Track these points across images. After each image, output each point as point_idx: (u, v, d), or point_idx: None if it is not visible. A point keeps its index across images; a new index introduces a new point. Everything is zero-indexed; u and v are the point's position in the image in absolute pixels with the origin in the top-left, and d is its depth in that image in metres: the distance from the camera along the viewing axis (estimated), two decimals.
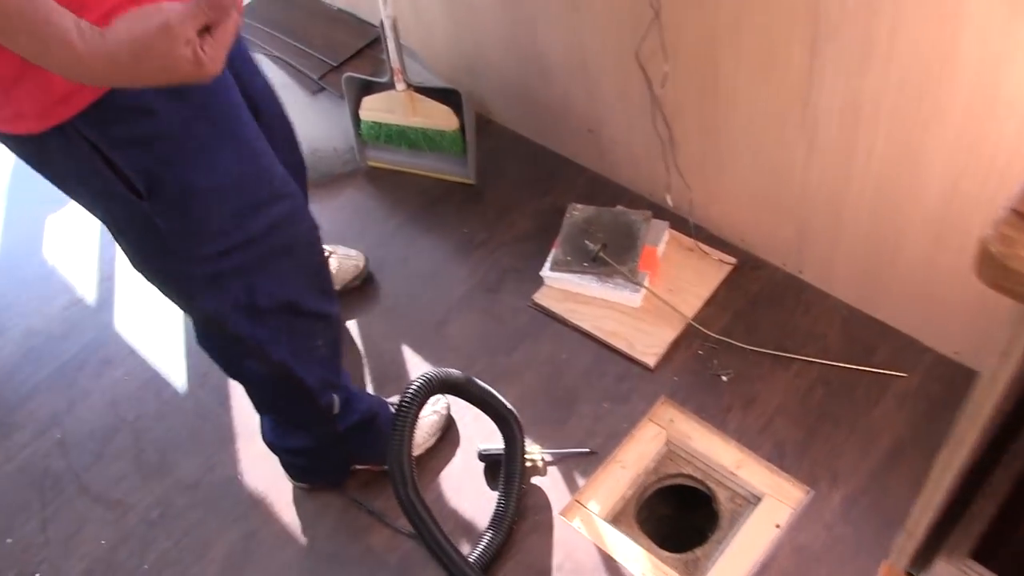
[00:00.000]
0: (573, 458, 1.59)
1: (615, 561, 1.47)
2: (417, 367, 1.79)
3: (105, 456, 1.79)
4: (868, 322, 1.67)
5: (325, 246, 1.46)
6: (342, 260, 1.89)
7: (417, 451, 1.61)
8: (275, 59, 2.27)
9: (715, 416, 1.60)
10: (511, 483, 1.52)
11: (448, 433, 1.67)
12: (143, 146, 0.98)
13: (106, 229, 1.12)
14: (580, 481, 1.56)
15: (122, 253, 1.15)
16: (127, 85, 0.75)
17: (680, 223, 1.85)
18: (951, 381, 1.56)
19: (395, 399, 1.62)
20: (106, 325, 2.03)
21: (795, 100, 1.45)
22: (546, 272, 1.81)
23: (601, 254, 1.76)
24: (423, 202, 2.10)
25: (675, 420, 1.61)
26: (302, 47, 2.32)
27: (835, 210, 1.56)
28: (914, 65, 1.24)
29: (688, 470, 1.60)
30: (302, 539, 1.60)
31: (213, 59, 0.75)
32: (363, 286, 1.94)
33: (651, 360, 1.68)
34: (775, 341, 1.67)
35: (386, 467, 1.58)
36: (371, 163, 2.20)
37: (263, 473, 1.69)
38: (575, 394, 1.68)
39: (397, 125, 2.05)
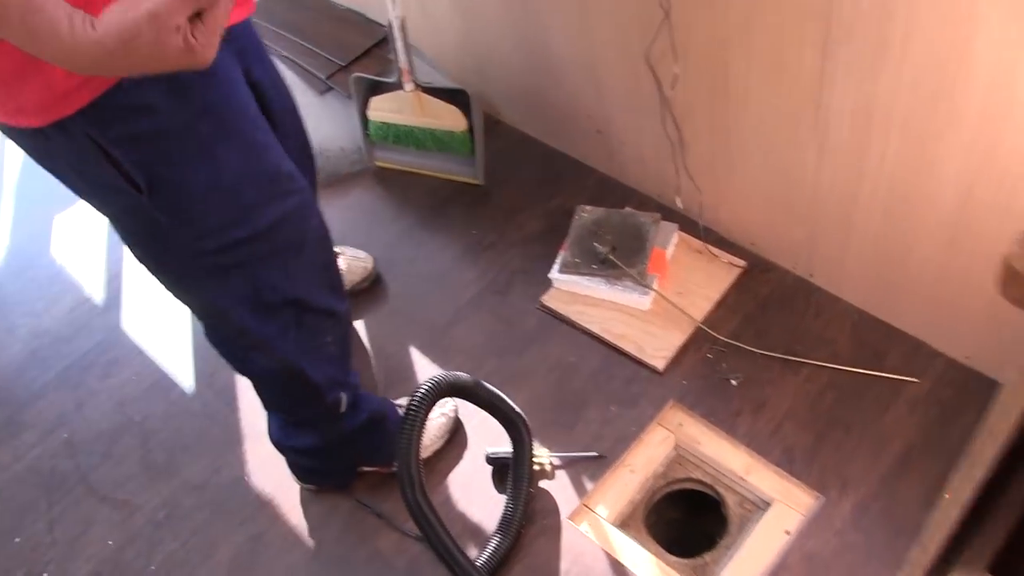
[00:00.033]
0: (581, 462, 1.59)
1: (623, 566, 1.46)
2: (425, 369, 1.78)
3: (112, 456, 1.79)
4: (879, 326, 1.66)
5: (334, 247, 1.45)
6: (351, 261, 1.89)
7: (425, 453, 1.61)
8: (283, 58, 2.27)
9: (724, 420, 1.59)
10: (519, 487, 1.51)
11: (456, 435, 1.67)
12: (143, 144, 0.98)
13: (111, 224, 1.12)
14: (588, 485, 1.56)
15: (129, 251, 1.15)
16: (122, 74, 0.75)
17: (689, 225, 1.84)
18: (963, 386, 1.54)
19: (403, 401, 1.62)
20: (114, 325, 2.03)
21: (807, 102, 1.44)
22: (555, 274, 1.80)
23: (610, 256, 1.75)
24: (431, 203, 2.09)
25: (684, 424, 1.61)
26: (310, 47, 2.32)
27: (846, 213, 1.54)
28: (928, 67, 1.23)
29: (697, 475, 1.59)
30: (309, 542, 1.59)
31: (205, 46, 0.74)
32: (371, 287, 1.93)
33: (660, 363, 1.67)
34: (785, 345, 1.66)
35: (394, 469, 1.58)
36: (379, 163, 2.19)
37: (270, 475, 1.69)
38: (583, 397, 1.67)
39: (405, 125, 2.04)
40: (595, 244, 1.78)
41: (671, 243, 1.81)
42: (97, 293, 2.12)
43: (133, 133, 0.96)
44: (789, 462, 1.52)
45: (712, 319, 1.72)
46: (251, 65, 1.20)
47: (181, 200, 1.05)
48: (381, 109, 2.05)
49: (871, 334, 1.65)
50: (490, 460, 1.60)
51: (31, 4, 0.69)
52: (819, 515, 1.46)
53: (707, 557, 1.50)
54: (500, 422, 1.53)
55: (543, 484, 1.57)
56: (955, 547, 0.74)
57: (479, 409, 1.54)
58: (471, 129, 1.98)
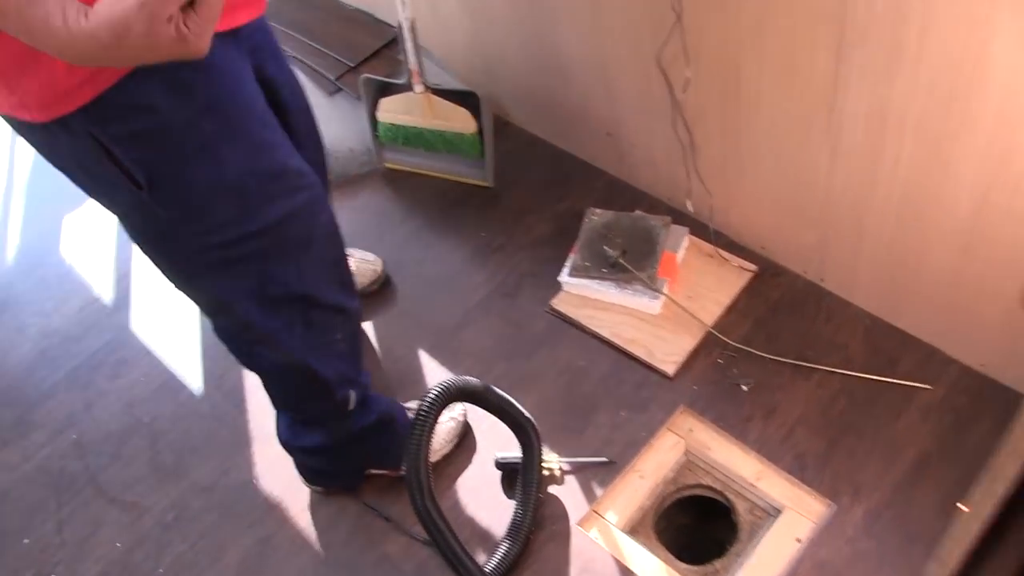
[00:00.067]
0: (591, 467, 1.58)
1: (633, 573, 1.45)
2: (433, 372, 1.78)
3: (121, 458, 1.79)
4: (891, 332, 1.64)
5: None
6: (360, 263, 1.88)
7: (434, 457, 1.60)
8: (292, 59, 2.26)
9: (735, 426, 1.58)
10: (528, 492, 1.51)
11: (465, 440, 1.66)
12: (143, 142, 0.98)
13: (118, 220, 1.13)
14: (598, 491, 1.55)
15: (139, 252, 1.15)
16: (120, 65, 0.75)
17: (700, 228, 1.83)
18: (978, 394, 1.53)
19: (412, 404, 1.61)
20: (123, 326, 2.03)
21: (819, 105, 1.42)
22: (564, 278, 1.79)
23: (620, 260, 1.74)
24: (440, 205, 2.08)
25: (694, 429, 1.60)
26: (319, 47, 2.31)
27: (859, 217, 1.53)
28: (943, 71, 1.21)
29: (707, 480, 1.58)
30: (317, 545, 1.59)
31: (198, 35, 0.74)
32: (379, 289, 1.93)
33: (670, 368, 1.66)
34: (796, 350, 1.65)
35: (402, 473, 1.57)
36: (388, 165, 2.18)
37: (279, 477, 1.68)
38: (593, 402, 1.66)
39: (415, 127, 2.03)
40: (605, 247, 1.77)
41: (681, 247, 1.80)
42: (106, 293, 2.12)
43: (134, 131, 0.97)
44: (800, 469, 1.51)
45: (723, 324, 1.71)
46: (264, 62, 1.20)
47: (184, 197, 1.05)
48: (390, 110, 2.04)
49: (883, 340, 1.64)
50: (499, 465, 1.60)
51: None
52: (831, 523, 1.44)
53: (717, 564, 1.49)
54: (509, 427, 1.53)
55: (552, 489, 1.57)
56: (974, 563, 0.73)
57: (488, 413, 1.53)
58: (481, 131, 1.97)
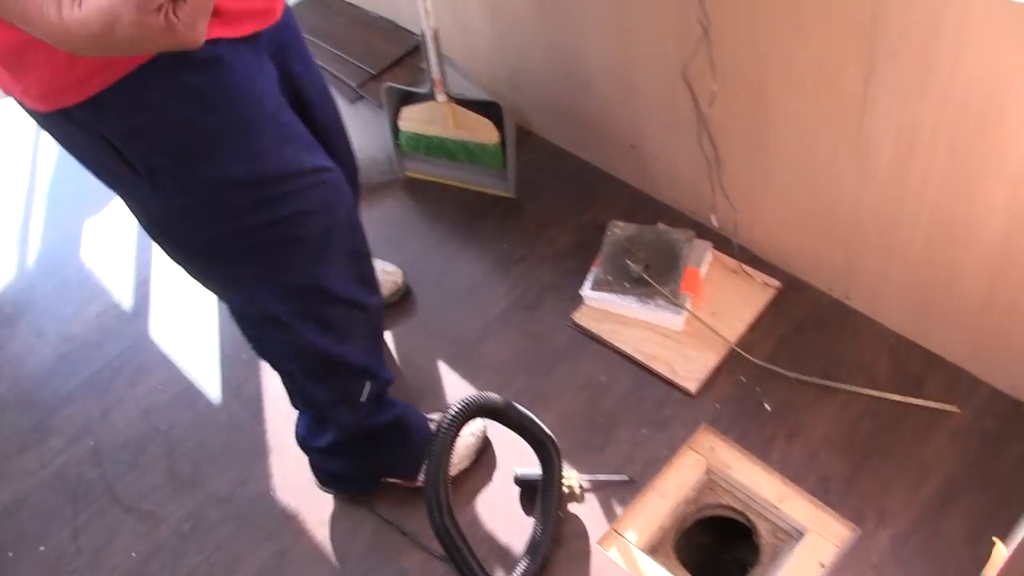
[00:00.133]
0: (611, 485, 1.56)
1: None
2: (453, 384, 1.76)
3: (138, 466, 1.78)
4: (918, 352, 1.62)
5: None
6: (380, 275, 1.86)
7: (452, 471, 1.59)
8: None
9: (757, 446, 1.56)
10: (548, 510, 1.49)
11: (484, 455, 1.65)
12: (144, 138, 0.99)
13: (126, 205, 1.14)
14: (618, 509, 1.53)
15: (159, 259, 1.15)
16: (115, 54, 0.75)
17: (723, 243, 1.81)
18: (1007, 418, 1.50)
19: (434, 416, 1.60)
20: (141, 332, 2.03)
21: (848, 122, 1.40)
22: (586, 291, 1.77)
23: (644, 275, 1.72)
24: (462, 215, 2.07)
25: (716, 448, 1.57)
26: (341, 54, 2.31)
27: (886, 236, 1.51)
28: (977, 92, 1.19)
29: (728, 501, 1.56)
30: (333, 559, 1.58)
31: (187, 25, 0.73)
32: (399, 300, 1.91)
33: (692, 386, 1.64)
34: (821, 369, 1.63)
35: (417, 484, 1.57)
36: (409, 174, 2.17)
37: (296, 489, 1.67)
38: (614, 418, 1.64)
39: (437, 137, 2.02)
40: (628, 261, 1.76)
41: (705, 262, 1.78)
42: (125, 299, 2.12)
43: (134, 127, 0.98)
44: (824, 491, 1.49)
45: (746, 341, 1.69)
46: (289, 62, 1.21)
47: (188, 191, 1.06)
48: (412, 120, 2.03)
49: (910, 360, 1.61)
50: (519, 481, 1.58)
51: None
52: (855, 547, 1.42)
53: None
54: (529, 443, 1.51)
55: (572, 507, 1.55)
56: None
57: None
58: (503, 142, 1.96)
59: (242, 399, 1.84)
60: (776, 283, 1.76)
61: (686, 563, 1.52)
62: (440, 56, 1.85)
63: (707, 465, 1.56)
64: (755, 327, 1.71)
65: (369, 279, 1.36)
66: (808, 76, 1.40)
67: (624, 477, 1.55)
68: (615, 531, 1.51)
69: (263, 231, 1.13)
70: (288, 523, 1.64)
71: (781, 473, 1.52)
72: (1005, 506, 1.41)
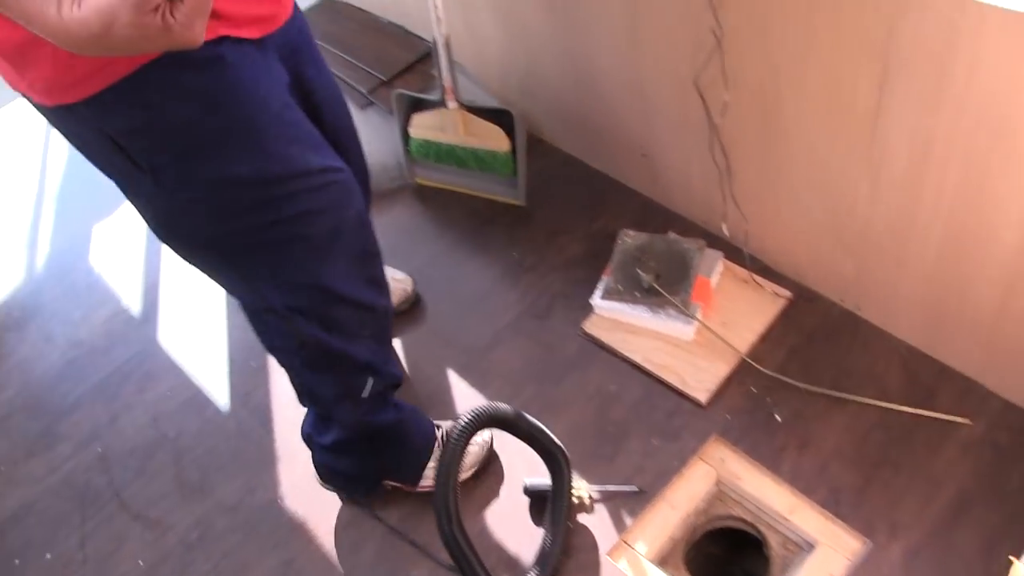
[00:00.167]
0: (621, 496, 1.55)
1: None
2: (462, 393, 1.76)
3: (146, 473, 1.78)
4: (930, 364, 1.61)
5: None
6: (390, 283, 1.86)
7: None
8: None
9: (768, 457, 1.55)
10: (557, 520, 1.49)
11: (493, 465, 1.64)
12: (144, 137, 1.00)
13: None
14: (627, 520, 1.52)
15: (167, 263, 1.15)
16: (115, 53, 0.75)
17: (734, 253, 1.80)
18: (1020, 430, 1.49)
19: (445, 424, 1.60)
20: (150, 338, 2.03)
21: (861, 133, 1.40)
22: (597, 300, 1.77)
23: (654, 284, 1.71)
24: (472, 223, 2.07)
25: (726, 460, 1.57)
26: (351, 60, 2.31)
27: (899, 247, 1.50)
28: (991, 104, 1.18)
29: (739, 512, 1.55)
30: (341, 569, 1.57)
31: (184, 25, 0.73)
32: (409, 308, 1.91)
33: (703, 396, 1.63)
34: (831, 380, 1.62)
35: (418, 489, 1.57)
36: (419, 181, 2.17)
37: (304, 498, 1.67)
38: (624, 428, 1.63)
39: (447, 144, 2.02)
40: (639, 271, 1.75)
41: (716, 271, 1.77)
42: (134, 304, 2.12)
43: (135, 127, 0.98)
44: (835, 503, 1.48)
45: (757, 351, 1.68)
46: (301, 64, 1.22)
47: (191, 189, 1.06)
48: (423, 126, 2.03)
49: (922, 372, 1.60)
50: (528, 491, 1.57)
51: None
52: (866, 560, 1.41)
53: None
54: (539, 453, 1.51)
55: (582, 518, 1.54)
56: None
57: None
58: (514, 150, 1.96)
59: (251, 407, 1.84)
60: (787, 293, 1.75)
61: (696, 574, 1.51)
62: (451, 63, 1.85)
63: (717, 476, 1.56)
64: (766, 337, 1.70)
65: (378, 281, 1.35)
66: (821, 86, 1.40)
67: (634, 488, 1.55)
68: (625, 542, 1.51)
69: (268, 229, 1.13)
70: (295, 532, 1.63)
71: (792, 484, 1.51)
72: (1018, 519, 1.40)
